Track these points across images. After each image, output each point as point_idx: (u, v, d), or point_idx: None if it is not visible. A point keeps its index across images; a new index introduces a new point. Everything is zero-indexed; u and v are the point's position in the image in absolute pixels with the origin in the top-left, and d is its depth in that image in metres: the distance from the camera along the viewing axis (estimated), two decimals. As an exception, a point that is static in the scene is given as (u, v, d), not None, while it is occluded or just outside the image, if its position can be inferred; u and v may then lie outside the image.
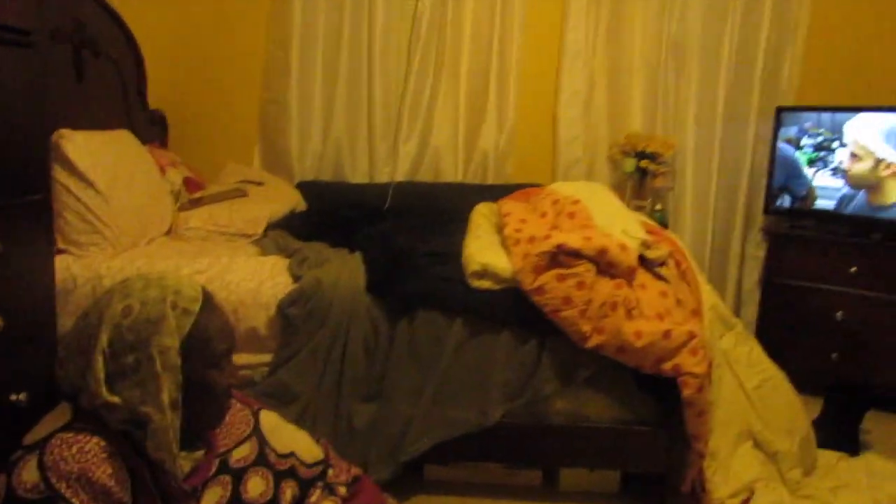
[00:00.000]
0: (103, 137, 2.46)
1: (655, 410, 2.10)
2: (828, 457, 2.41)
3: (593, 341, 1.96)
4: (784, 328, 3.20)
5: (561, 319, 1.96)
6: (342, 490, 1.44)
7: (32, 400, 1.60)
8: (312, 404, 2.04)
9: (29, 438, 1.09)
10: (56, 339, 1.82)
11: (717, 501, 2.09)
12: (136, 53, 3.07)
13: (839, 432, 2.60)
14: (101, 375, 1.07)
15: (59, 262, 2.16)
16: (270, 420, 1.39)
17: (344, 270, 2.19)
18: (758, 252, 3.54)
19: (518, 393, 2.05)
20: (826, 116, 3.10)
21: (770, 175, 3.27)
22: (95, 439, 1.06)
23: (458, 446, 2.04)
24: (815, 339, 3.12)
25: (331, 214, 2.89)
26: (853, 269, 3.00)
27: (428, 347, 2.05)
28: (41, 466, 1.01)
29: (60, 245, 2.25)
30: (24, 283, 1.68)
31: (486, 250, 2.16)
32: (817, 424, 2.46)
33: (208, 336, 1.14)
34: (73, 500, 1.00)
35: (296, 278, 2.16)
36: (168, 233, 2.63)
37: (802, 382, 2.47)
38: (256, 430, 1.34)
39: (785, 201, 3.26)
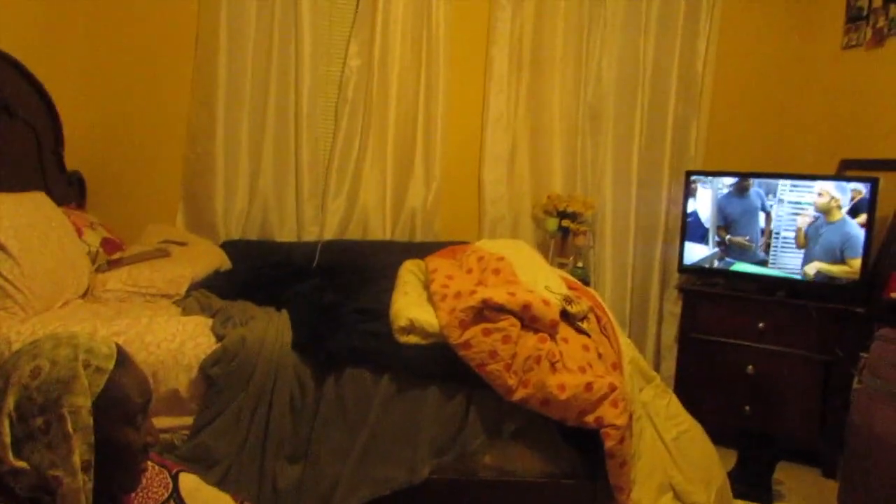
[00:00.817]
0: (15, 199, 2.40)
1: (580, 463, 2.13)
2: (744, 508, 2.49)
3: (519, 394, 2.00)
4: (700, 382, 3.30)
5: (487, 373, 1.99)
6: None
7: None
8: (235, 467, 1.98)
9: None
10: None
11: (641, 552, 2.12)
12: (53, 114, 3.02)
13: (753, 483, 2.69)
14: (7, 440, 1.03)
15: None
16: (190, 483, 1.35)
17: (270, 328, 2.17)
18: (675, 308, 3.68)
19: (446, 448, 2.05)
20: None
21: (682, 234, 3.44)
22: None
23: (386, 505, 2.02)
24: (728, 392, 3.23)
25: (257, 273, 2.86)
26: (761, 325, 3.15)
27: (355, 405, 2.04)
28: None
29: None
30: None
31: (413, 306, 2.19)
32: (733, 475, 2.54)
33: (123, 393, 1.11)
34: None
35: (219, 337, 2.13)
36: (84, 295, 2.54)
37: (718, 434, 2.56)
38: (175, 494, 1.30)
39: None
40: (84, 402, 1.05)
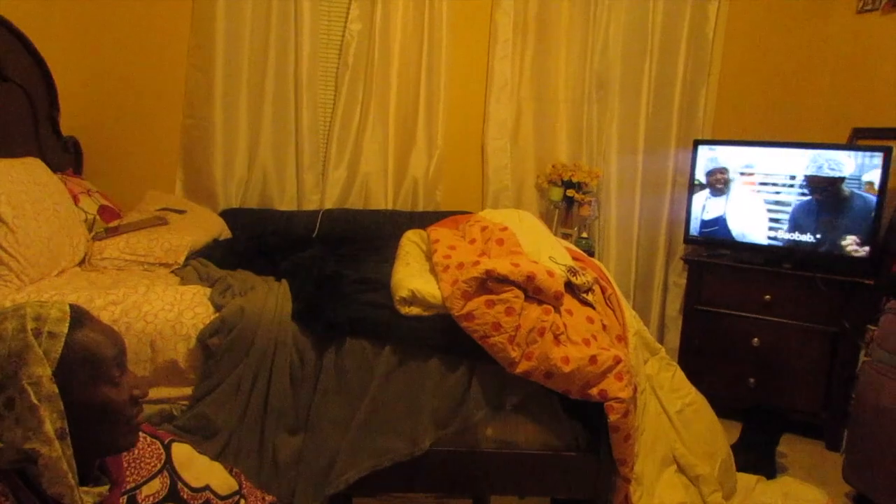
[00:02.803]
0: (10, 165, 2.34)
1: (583, 436, 2.11)
2: (746, 480, 2.48)
3: (522, 367, 1.96)
4: (705, 354, 3.28)
5: (490, 345, 1.96)
6: None
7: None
8: (235, 438, 1.96)
9: None
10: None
11: (643, 526, 2.11)
12: (48, 79, 2.95)
13: (757, 456, 2.68)
14: None
15: None
16: (182, 453, 1.33)
17: (269, 298, 2.13)
18: (680, 280, 3.65)
19: (448, 420, 2.02)
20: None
21: (689, 205, 3.39)
22: None
23: (387, 476, 1.99)
24: (733, 365, 3.22)
25: (257, 242, 2.81)
26: (767, 297, 3.12)
27: (356, 376, 2.01)
28: None
29: None
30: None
31: (415, 277, 2.15)
32: (736, 448, 2.52)
33: (88, 352, 1.07)
34: None
35: (217, 307, 2.09)
36: (81, 263, 2.51)
37: (722, 407, 2.54)
38: (168, 464, 1.28)
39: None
40: (43, 370, 1.02)
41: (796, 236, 3.10)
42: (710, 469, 2.28)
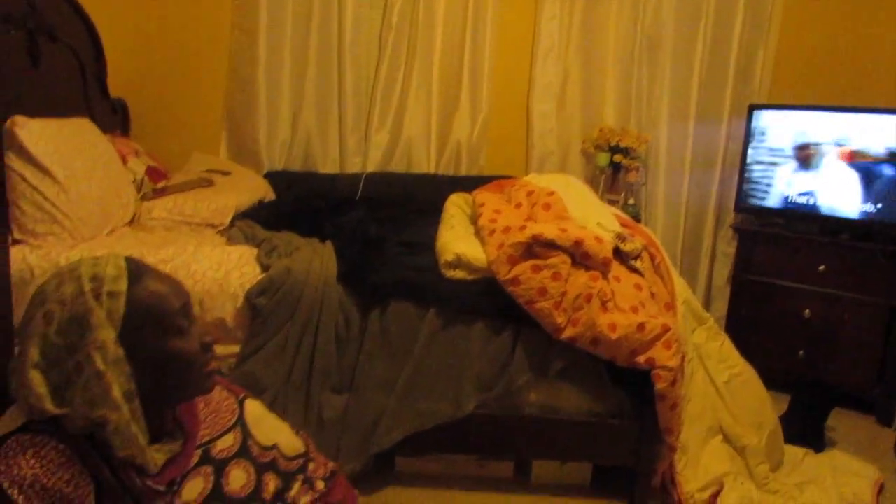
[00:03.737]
0: (61, 125, 2.37)
1: (628, 403, 2.09)
2: (794, 452, 2.43)
3: (567, 333, 1.94)
4: (753, 325, 3.21)
5: (535, 311, 1.94)
6: (320, 485, 1.39)
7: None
8: (281, 396, 1.99)
9: None
10: (13, 333, 1.72)
11: (686, 495, 2.09)
12: (96, 40, 2.96)
13: (805, 428, 2.62)
14: (42, 390, 1.00)
15: (15, 252, 2.08)
16: (255, 410, 1.33)
17: (315, 260, 2.14)
18: (729, 249, 3.56)
19: (491, 384, 2.02)
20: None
21: (741, 172, 3.28)
22: (53, 443, 0.99)
23: (430, 438, 2.01)
24: (783, 336, 3.14)
25: (301, 204, 2.83)
26: (821, 268, 3.02)
27: (400, 338, 2.01)
28: None
29: (16, 235, 2.16)
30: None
31: (460, 240, 2.13)
32: (784, 420, 2.47)
33: (152, 306, 1.05)
34: None
35: (264, 268, 2.11)
36: (130, 223, 2.55)
37: (770, 378, 2.48)
38: (241, 421, 1.28)
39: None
40: (107, 334, 1.00)
41: (867, 207, 2.97)
42: (757, 440, 2.24)
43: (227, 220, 2.59)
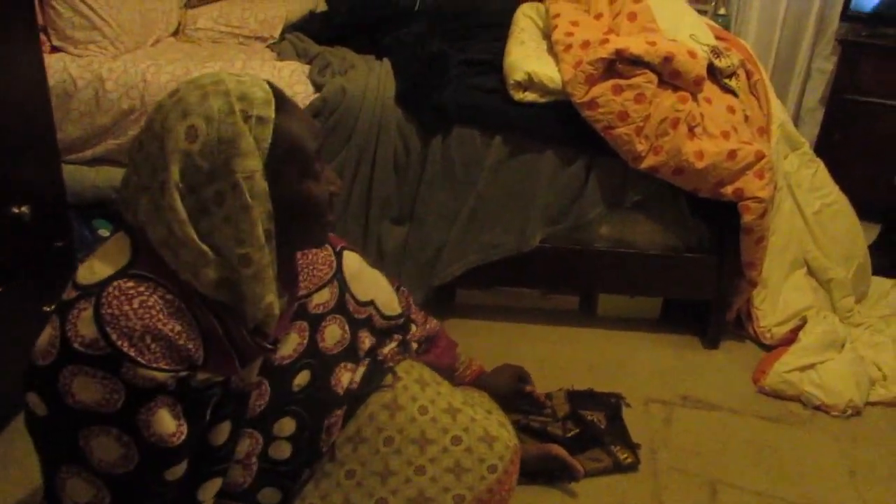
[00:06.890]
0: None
1: (707, 237, 1.96)
2: (880, 283, 2.31)
3: (648, 162, 1.78)
4: (844, 149, 2.96)
5: (614, 137, 1.76)
6: (415, 346, 1.35)
7: (36, 212, 1.48)
8: (339, 225, 1.93)
9: (82, 276, 0.89)
10: (57, 147, 1.66)
11: (763, 329, 2.02)
12: None
13: (894, 259, 2.47)
14: (184, 216, 0.86)
15: (54, 61, 2.01)
16: (353, 263, 1.24)
17: (371, 79, 1.98)
18: (826, 65, 3.24)
19: (560, 217, 1.91)
20: None
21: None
22: (160, 292, 0.87)
23: (493, 271, 1.95)
24: (877, 162, 2.92)
25: (356, 16, 2.61)
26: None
27: (464, 167, 1.90)
28: (98, 319, 0.84)
29: (55, 42, 2.08)
30: (10, 83, 1.48)
31: (531, 58, 1.92)
32: (872, 249, 2.33)
33: (294, 142, 0.92)
34: (139, 359, 0.84)
35: (318, 87, 1.97)
36: (175, 34, 2.45)
37: (860, 207, 2.31)
38: (338, 274, 1.19)
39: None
40: (256, 164, 0.87)
41: None
42: (844, 273, 2.12)
43: (277, 32, 2.46)
